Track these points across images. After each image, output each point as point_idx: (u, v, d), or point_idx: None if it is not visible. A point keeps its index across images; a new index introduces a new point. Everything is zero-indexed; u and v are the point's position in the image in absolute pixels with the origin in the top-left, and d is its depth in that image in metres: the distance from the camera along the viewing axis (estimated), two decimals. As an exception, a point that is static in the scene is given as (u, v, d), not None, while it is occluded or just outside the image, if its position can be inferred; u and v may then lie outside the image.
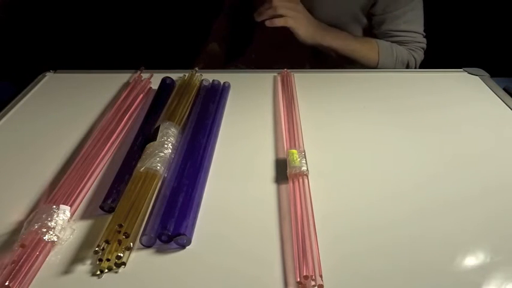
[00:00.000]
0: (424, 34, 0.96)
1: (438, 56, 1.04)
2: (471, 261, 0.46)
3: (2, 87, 0.93)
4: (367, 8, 0.93)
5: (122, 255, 0.45)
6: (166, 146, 0.59)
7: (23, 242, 0.45)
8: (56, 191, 0.52)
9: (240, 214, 0.52)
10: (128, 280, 0.44)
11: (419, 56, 0.96)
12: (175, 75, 0.80)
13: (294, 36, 0.97)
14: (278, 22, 0.82)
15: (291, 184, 0.55)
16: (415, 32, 0.94)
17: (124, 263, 0.45)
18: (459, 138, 0.66)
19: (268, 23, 0.82)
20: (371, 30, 0.96)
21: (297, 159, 0.57)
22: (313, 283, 0.42)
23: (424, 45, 0.96)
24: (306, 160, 0.57)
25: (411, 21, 0.93)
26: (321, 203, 0.52)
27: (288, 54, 1.00)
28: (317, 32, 0.87)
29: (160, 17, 1.46)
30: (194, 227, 0.49)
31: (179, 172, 0.56)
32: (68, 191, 0.52)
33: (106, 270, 0.44)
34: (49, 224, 0.47)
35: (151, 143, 0.59)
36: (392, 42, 0.93)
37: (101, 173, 0.58)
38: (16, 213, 0.51)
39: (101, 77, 0.85)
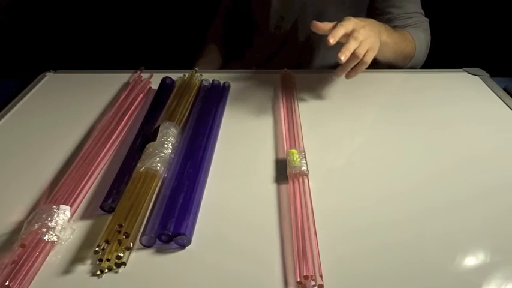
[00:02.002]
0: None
1: (438, 56, 1.04)
2: (471, 261, 0.46)
3: (7, 86, 0.92)
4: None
5: (122, 255, 0.45)
6: (166, 146, 0.59)
7: (23, 242, 0.45)
8: (56, 191, 0.52)
9: (240, 214, 0.52)
10: (128, 280, 0.44)
11: (429, 34, 0.94)
12: (175, 75, 0.80)
13: (292, 37, 0.97)
14: (369, 59, 0.70)
15: (291, 184, 0.55)
16: (420, 13, 0.93)
17: (124, 263, 0.45)
18: (459, 138, 0.66)
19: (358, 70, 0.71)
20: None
21: (297, 159, 0.57)
22: (313, 283, 0.42)
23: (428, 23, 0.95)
24: (306, 160, 0.57)
25: (416, 2, 0.92)
26: (321, 203, 0.52)
27: (287, 55, 1.00)
28: (378, 40, 0.76)
29: (160, 17, 1.46)
30: (194, 227, 0.49)
31: (179, 172, 0.56)
32: (68, 191, 0.52)
33: (106, 270, 0.44)
34: (49, 224, 0.47)
35: (151, 143, 0.59)
36: (406, 25, 0.91)
37: (101, 173, 0.58)
38: (16, 213, 0.52)
39: (101, 77, 0.85)
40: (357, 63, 0.69)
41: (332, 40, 0.66)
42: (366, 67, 0.70)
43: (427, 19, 0.95)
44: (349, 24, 0.68)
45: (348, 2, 0.92)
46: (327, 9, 0.92)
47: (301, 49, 0.99)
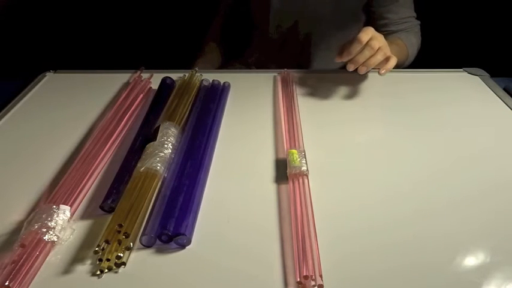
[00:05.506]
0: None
1: (438, 56, 1.04)
2: (471, 261, 0.46)
3: (7, 86, 0.92)
4: (364, 2, 0.93)
5: (122, 255, 0.45)
6: (166, 146, 0.59)
7: (23, 242, 0.45)
8: (56, 191, 0.52)
9: (240, 214, 0.52)
10: (128, 280, 0.44)
11: (420, 37, 0.98)
12: (175, 75, 0.80)
13: (292, 37, 0.98)
14: (391, 65, 0.73)
15: (291, 184, 0.55)
16: (413, 17, 0.97)
17: (124, 263, 0.45)
18: (459, 138, 0.66)
19: (383, 72, 0.73)
20: (368, 25, 0.96)
21: (297, 159, 0.57)
22: (313, 283, 0.42)
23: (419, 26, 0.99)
24: (306, 160, 0.57)
25: (410, 7, 0.96)
26: (321, 203, 0.52)
27: (286, 55, 1.00)
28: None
29: (160, 17, 1.46)
30: (194, 227, 0.49)
31: (179, 172, 0.56)
32: (68, 191, 0.52)
33: (106, 270, 0.44)
34: (49, 224, 0.47)
35: (151, 143, 0.59)
36: (400, 30, 0.94)
37: (101, 173, 0.58)
38: (16, 213, 0.52)
39: (101, 77, 0.85)
40: (382, 62, 0.72)
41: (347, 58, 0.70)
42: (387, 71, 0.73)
43: (418, 22, 0.98)
44: (366, 36, 0.69)
45: (345, 3, 0.93)
46: (325, 9, 0.93)
47: (301, 49, 0.99)
